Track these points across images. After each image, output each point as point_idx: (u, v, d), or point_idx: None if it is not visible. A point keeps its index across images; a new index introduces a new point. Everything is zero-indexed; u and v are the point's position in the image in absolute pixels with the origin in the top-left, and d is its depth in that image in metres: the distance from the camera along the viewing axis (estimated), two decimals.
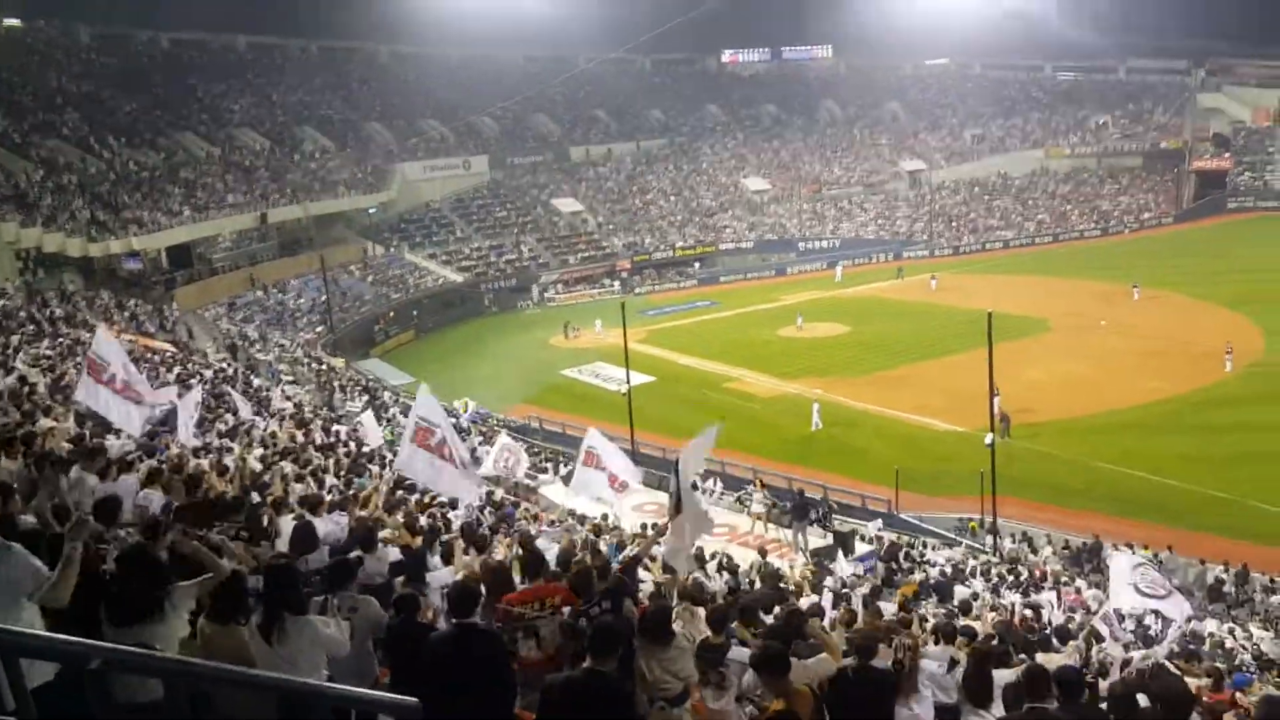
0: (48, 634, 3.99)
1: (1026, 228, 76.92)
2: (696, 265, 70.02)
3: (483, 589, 7.19)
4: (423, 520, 12.55)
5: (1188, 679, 9.80)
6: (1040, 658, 9.98)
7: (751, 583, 14.65)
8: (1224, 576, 22.05)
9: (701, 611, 8.29)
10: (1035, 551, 24.37)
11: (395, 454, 18.40)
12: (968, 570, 21.25)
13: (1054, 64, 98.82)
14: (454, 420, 19.70)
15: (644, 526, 18.74)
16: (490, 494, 19.42)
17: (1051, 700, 5.71)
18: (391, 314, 55.70)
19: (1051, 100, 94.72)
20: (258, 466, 13.99)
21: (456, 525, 12.98)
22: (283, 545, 8.54)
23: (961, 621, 11.75)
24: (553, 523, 18.27)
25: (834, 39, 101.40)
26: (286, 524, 9.48)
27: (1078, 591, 20.30)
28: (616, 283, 66.15)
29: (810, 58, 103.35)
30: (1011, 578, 20.50)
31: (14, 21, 66.83)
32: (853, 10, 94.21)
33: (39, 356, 21.51)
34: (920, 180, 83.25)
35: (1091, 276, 58.46)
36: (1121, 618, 12.19)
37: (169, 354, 30.55)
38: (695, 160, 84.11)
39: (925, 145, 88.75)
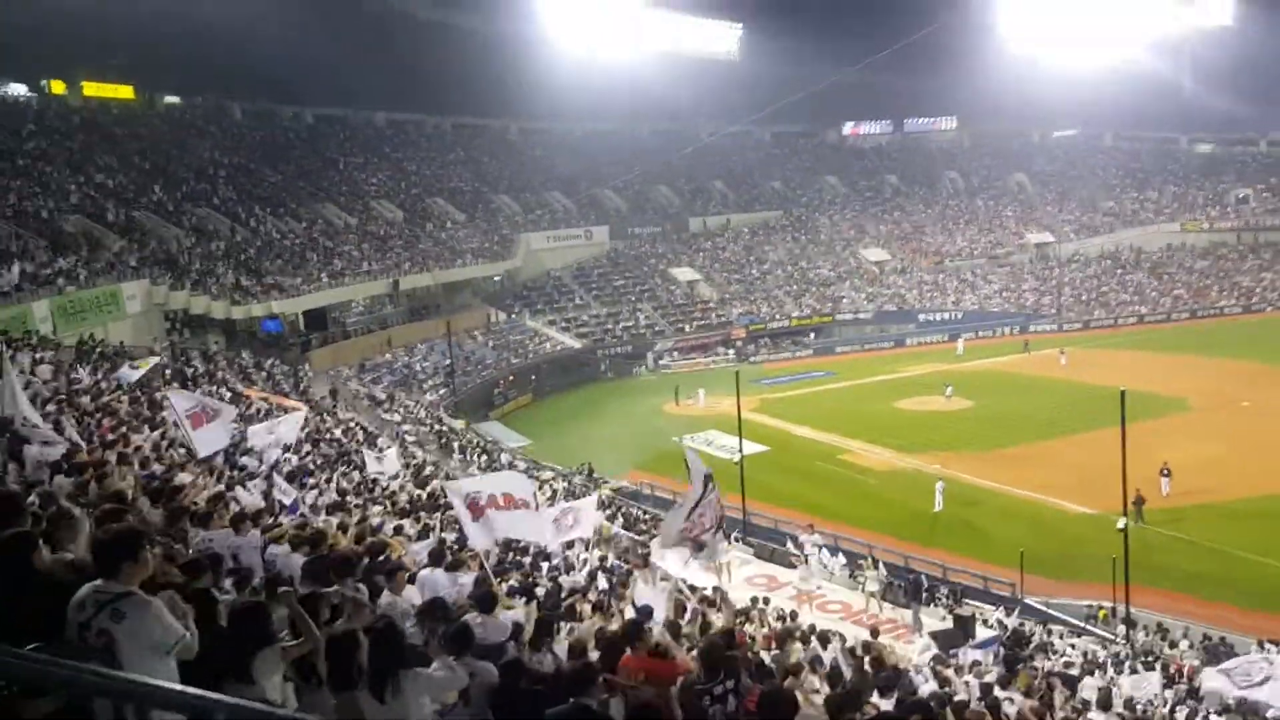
0: (177, 687, 4.16)
1: (1162, 303, 73.81)
2: (812, 335, 69.53)
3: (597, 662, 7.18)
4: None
5: None
6: None
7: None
8: None
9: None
10: (1172, 645, 22.93)
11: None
12: (1097, 661, 20.14)
13: (1190, 135, 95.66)
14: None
15: (754, 600, 18.46)
16: (604, 559, 19.41)
17: None
18: (511, 377, 56.88)
19: (1187, 173, 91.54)
20: (380, 524, 14.36)
21: (567, 587, 13.04)
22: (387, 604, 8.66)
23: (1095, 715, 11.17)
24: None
25: (958, 110, 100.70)
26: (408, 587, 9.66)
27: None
28: (731, 351, 66.11)
29: (934, 129, 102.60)
30: (1149, 671, 19.29)
31: (174, 99, 72.22)
32: (979, 81, 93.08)
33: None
34: (1048, 253, 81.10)
35: (1233, 355, 55.51)
36: None
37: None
38: (813, 231, 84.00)
39: (1053, 217, 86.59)
